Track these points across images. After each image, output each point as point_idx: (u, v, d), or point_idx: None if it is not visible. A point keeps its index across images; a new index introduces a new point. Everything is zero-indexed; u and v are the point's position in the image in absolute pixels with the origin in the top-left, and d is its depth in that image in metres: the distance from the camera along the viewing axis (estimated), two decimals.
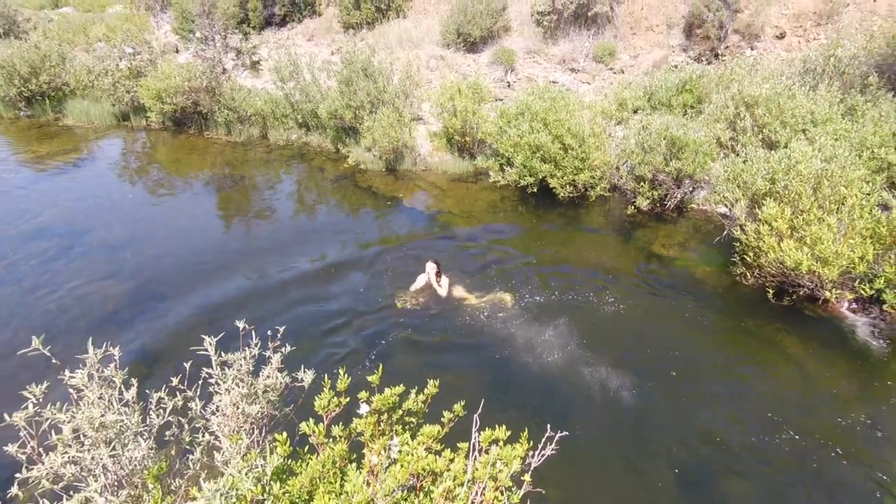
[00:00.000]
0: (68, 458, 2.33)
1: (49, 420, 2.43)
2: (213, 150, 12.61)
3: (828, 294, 5.93)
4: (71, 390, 2.57)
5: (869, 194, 6.14)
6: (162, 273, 7.26)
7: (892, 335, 5.86)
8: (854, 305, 6.23)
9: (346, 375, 2.94)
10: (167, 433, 3.15)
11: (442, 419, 2.89)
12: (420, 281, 7.10)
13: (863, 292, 5.87)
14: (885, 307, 5.88)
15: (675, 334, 6.17)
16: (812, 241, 5.93)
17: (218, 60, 13.07)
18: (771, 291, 6.31)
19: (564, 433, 2.67)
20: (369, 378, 2.83)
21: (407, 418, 2.99)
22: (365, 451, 2.77)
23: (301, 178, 11.26)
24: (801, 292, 6.28)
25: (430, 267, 7.01)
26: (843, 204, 6.08)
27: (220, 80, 13.00)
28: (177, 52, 17.90)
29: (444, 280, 7.06)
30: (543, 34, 15.86)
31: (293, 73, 12.25)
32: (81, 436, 2.63)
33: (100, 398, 2.53)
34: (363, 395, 2.79)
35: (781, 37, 13.74)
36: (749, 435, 4.73)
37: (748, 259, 6.60)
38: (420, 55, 15.51)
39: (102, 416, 2.48)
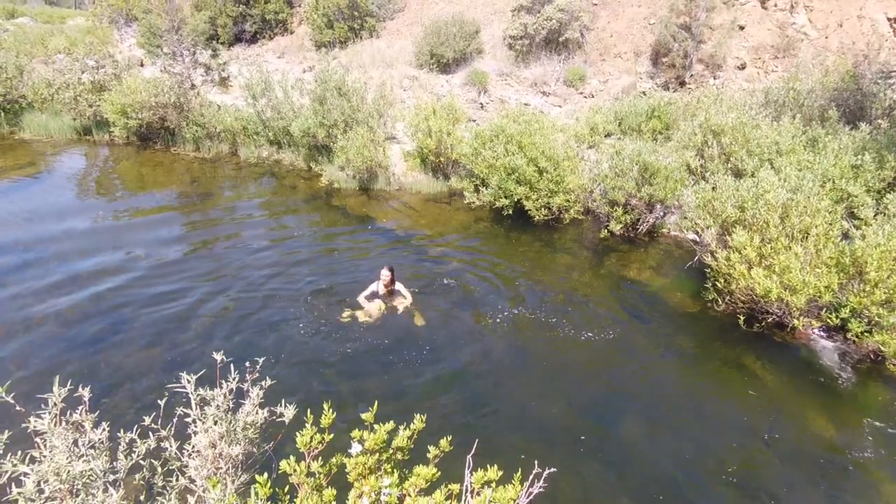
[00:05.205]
0: None
1: (9, 473, 2.22)
2: (180, 165, 12.24)
3: (796, 322, 6.11)
4: (37, 439, 2.36)
5: (832, 224, 6.40)
6: (122, 294, 6.90)
7: (856, 363, 6.07)
8: (821, 333, 6.43)
9: (330, 411, 2.81)
10: (136, 476, 2.94)
11: (427, 454, 2.80)
12: (372, 287, 6.68)
13: (829, 321, 6.07)
14: (849, 335, 6.08)
15: (648, 360, 6.21)
16: (780, 270, 6.11)
17: (187, 76, 12.78)
18: (741, 318, 6.46)
19: (552, 469, 2.61)
20: (363, 416, 2.71)
21: (395, 456, 2.89)
22: (352, 492, 2.65)
23: (272, 196, 11.01)
24: (770, 319, 6.45)
25: (384, 274, 6.63)
26: (808, 234, 6.31)
27: (189, 95, 12.69)
28: (142, 66, 17.44)
29: (400, 289, 6.73)
30: (515, 57, 16.18)
31: (265, 91, 12.08)
32: (42, 484, 2.42)
33: (66, 444, 2.33)
34: (356, 433, 2.67)
35: (742, 67, 14.40)
36: (718, 462, 4.77)
37: (719, 285, 6.75)
38: (393, 75, 15.56)
39: (70, 464, 2.28)
